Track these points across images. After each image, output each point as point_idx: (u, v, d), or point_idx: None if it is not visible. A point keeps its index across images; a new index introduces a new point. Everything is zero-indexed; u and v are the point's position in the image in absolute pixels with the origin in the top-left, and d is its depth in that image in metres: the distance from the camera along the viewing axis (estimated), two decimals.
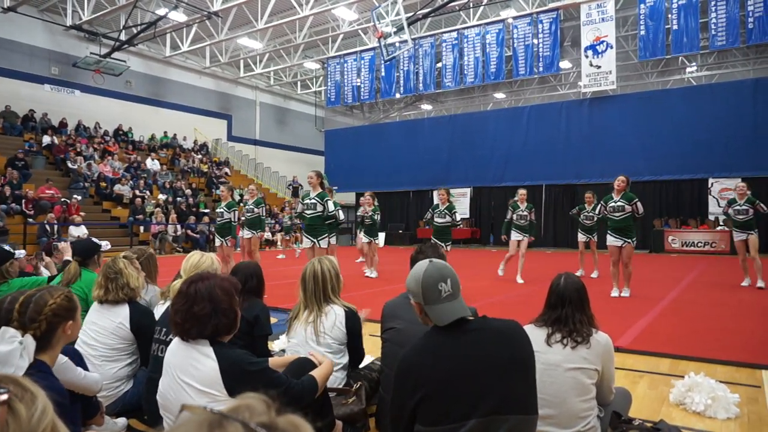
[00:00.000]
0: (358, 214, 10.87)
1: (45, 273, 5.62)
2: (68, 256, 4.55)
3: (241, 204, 9.61)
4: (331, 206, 7.42)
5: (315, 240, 7.41)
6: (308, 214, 7.48)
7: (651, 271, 11.15)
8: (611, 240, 7.49)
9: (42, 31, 18.93)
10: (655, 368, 4.06)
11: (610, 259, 7.59)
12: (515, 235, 9.16)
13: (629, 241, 7.37)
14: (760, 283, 8.14)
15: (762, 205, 8.22)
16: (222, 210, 9.10)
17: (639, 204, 7.39)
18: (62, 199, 15.08)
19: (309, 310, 2.83)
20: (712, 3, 14.79)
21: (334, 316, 2.79)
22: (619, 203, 7.38)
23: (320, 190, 7.50)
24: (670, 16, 15.54)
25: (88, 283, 3.49)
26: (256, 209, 9.31)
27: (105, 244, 3.91)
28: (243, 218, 9.44)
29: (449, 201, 8.70)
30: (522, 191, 9.32)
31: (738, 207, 8.32)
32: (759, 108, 16.13)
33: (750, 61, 21.04)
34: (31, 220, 14.13)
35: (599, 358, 2.27)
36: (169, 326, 2.12)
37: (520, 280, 8.98)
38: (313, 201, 7.43)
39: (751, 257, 8.20)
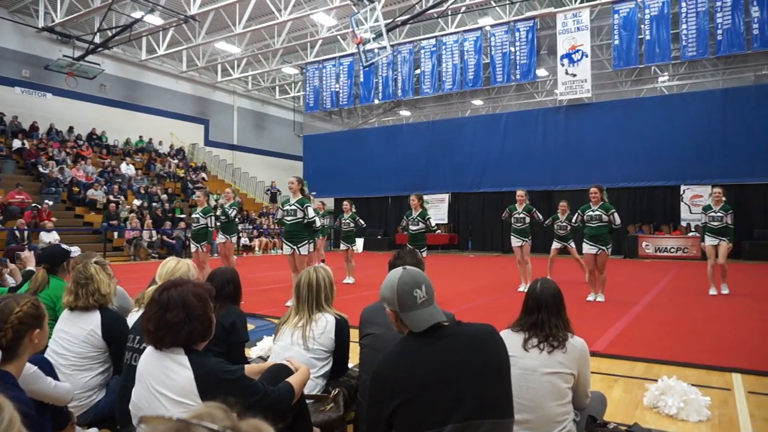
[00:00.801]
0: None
1: (10, 281, 5.48)
2: (31, 266, 4.42)
3: (216, 208, 9.49)
4: (310, 212, 7.37)
5: (295, 247, 7.35)
6: (288, 221, 7.40)
7: (625, 276, 11.34)
8: (587, 248, 7.63)
9: (12, 32, 18.51)
10: (629, 372, 4.13)
11: (586, 267, 7.70)
12: (514, 241, 8.88)
13: (603, 248, 7.49)
14: (725, 290, 8.26)
15: (730, 218, 8.08)
16: (198, 215, 8.99)
17: (616, 215, 7.51)
18: (33, 205, 14.72)
19: (300, 316, 2.84)
20: (683, 15, 15.18)
21: (325, 322, 2.80)
22: (596, 212, 7.52)
23: (300, 196, 7.44)
24: (643, 26, 15.90)
25: (57, 290, 3.38)
26: (230, 213, 9.22)
27: (75, 251, 3.80)
28: (218, 223, 9.33)
29: (422, 207, 8.60)
30: (519, 192, 8.97)
31: (713, 214, 8.20)
32: (728, 117, 16.59)
33: (719, 72, 21.63)
34: None
35: (575, 363, 2.29)
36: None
37: (522, 289, 8.60)
38: (293, 207, 7.37)
39: (720, 263, 8.19)
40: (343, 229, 10.40)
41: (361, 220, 10.59)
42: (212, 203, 9.54)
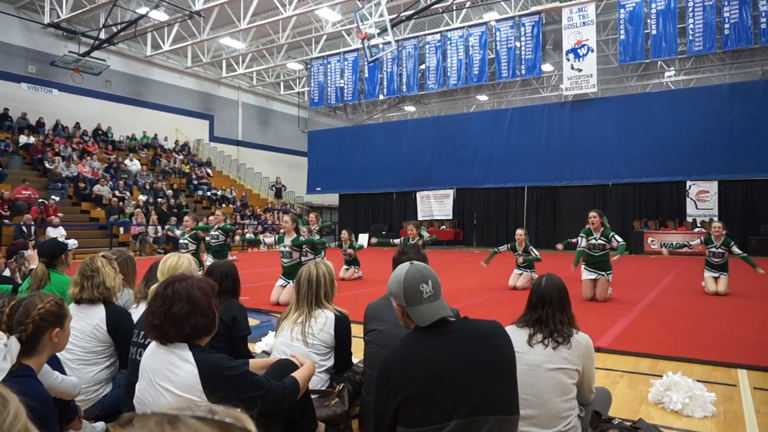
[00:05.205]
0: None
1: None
2: (35, 265, 4.45)
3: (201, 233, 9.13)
4: (315, 237, 7.49)
5: (291, 282, 6.96)
6: (285, 263, 7.23)
7: (631, 272, 11.30)
8: (585, 275, 7.32)
9: (18, 28, 18.57)
10: (634, 368, 4.11)
11: (583, 297, 7.24)
12: (516, 272, 8.63)
13: (603, 274, 7.21)
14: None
15: (736, 248, 7.81)
16: (186, 240, 8.71)
17: (615, 236, 7.33)
18: (39, 200, 14.79)
19: (300, 312, 2.84)
20: (690, 9, 15.07)
21: (324, 319, 2.80)
22: (600, 241, 7.35)
23: (295, 235, 7.25)
24: (649, 21, 15.79)
25: (59, 285, 3.41)
26: (221, 236, 9.01)
27: (72, 243, 3.83)
28: (209, 245, 9.09)
29: (419, 235, 8.68)
30: (519, 232, 8.59)
31: (714, 249, 7.90)
32: (735, 112, 16.48)
33: (726, 66, 21.44)
34: (7, 221, 13.84)
35: (580, 359, 2.29)
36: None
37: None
38: (287, 249, 7.21)
39: (722, 294, 7.71)
40: (346, 259, 10.08)
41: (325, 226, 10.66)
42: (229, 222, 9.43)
